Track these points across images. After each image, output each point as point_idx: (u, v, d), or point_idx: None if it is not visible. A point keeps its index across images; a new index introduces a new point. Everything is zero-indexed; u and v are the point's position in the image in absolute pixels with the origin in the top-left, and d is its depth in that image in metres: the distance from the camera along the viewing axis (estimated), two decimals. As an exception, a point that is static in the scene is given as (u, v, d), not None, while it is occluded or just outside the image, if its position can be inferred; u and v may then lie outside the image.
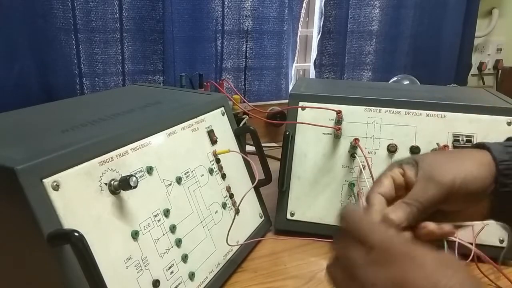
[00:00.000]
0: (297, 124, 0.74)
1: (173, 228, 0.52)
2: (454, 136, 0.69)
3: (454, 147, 0.68)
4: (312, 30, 1.36)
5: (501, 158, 0.38)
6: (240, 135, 0.72)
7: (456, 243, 0.57)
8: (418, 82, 1.25)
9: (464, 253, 0.61)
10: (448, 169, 0.38)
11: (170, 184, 0.54)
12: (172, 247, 0.51)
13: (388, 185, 0.40)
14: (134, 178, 0.45)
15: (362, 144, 0.71)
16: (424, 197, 0.38)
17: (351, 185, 0.70)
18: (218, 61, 1.16)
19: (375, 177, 0.68)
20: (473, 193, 0.38)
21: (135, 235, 0.46)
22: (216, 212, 0.61)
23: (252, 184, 0.68)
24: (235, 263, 0.62)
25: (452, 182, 0.38)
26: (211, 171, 0.62)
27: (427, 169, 0.39)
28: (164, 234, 0.50)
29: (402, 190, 0.40)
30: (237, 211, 0.65)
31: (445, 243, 0.40)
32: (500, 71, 1.75)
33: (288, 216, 0.72)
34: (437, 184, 0.38)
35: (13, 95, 0.88)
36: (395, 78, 1.29)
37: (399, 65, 1.45)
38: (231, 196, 0.65)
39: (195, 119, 0.63)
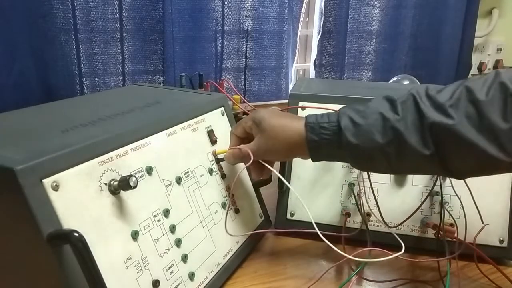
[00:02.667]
0: (297, 124, 0.73)
1: (173, 228, 0.52)
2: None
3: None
4: (312, 30, 1.36)
5: (310, 138, 0.54)
6: (240, 135, 0.72)
7: (456, 243, 0.57)
8: (418, 82, 1.25)
9: (464, 253, 0.62)
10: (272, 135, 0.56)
11: (170, 184, 0.54)
12: (172, 247, 0.51)
13: (240, 131, 0.61)
14: (134, 178, 0.45)
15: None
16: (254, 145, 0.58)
17: (351, 185, 0.70)
18: (218, 61, 1.16)
19: (375, 178, 0.69)
20: (288, 154, 0.59)
21: (135, 235, 0.46)
22: (216, 212, 0.61)
23: (252, 184, 0.69)
24: (235, 263, 0.62)
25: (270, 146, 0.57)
26: (211, 171, 0.62)
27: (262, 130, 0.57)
28: (164, 234, 0.50)
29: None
30: (236, 211, 0.65)
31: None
32: (500, 71, 1.75)
33: (288, 216, 0.72)
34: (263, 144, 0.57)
35: (13, 95, 0.88)
36: (395, 78, 1.29)
37: (399, 65, 1.45)
38: (231, 196, 0.65)
39: (195, 119, 0.63)
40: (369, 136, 0.50)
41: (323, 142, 0.53)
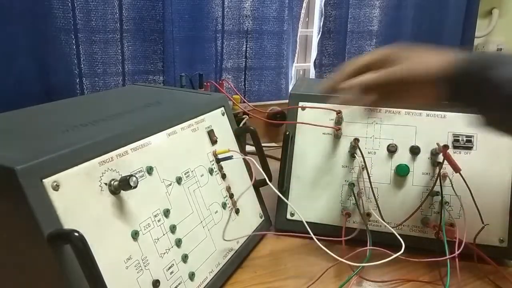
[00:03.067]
0: (297, 124, 0.74)
1: (173, 228, 0.52)
2: (454, 136, 0.69)
3: (454, 147, 0.68)
4: (312, 30, 1.36)
5: (459, 56, 0.48)
6: (240, 135, 0.72)
7: (456, 243, 0.57)
8: (418, 82, 1.25)
9: (464, 253, 0.62)
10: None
11: (170, 184, 0.54)
12: (172, 247, 0.51)
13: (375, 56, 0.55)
14: (134, 178, 0.45)
15: (362, 144, 0.71)
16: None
17: (351, 185, 0.70)
18: (218, 61, 1.16)
19: (375, 178, 0.69)
20: (425, 67, 0.50)
21: (135, 235, 0.46)
22: (216, 212, 0.61)
23: (252, 183, 0.69)
24: (235, 263, 0.62)
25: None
26: (211, 171, 0.62)
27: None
28: (164, 234, 0.50)
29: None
30: (236, 211, 0.65)
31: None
32: (500, 71, 1.75)
33: (288, 216, 0.72)
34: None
35: (13, 95, 0.88)
36: (395, 78, 1.29)
37: (399, 65, 1.45)
38: (231, 196, 0.65)
39: (195, 119, 0.63)
40: None
41: (475, 59, 0.47)
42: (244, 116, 1.00)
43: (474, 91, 0.47)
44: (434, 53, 0.51)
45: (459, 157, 0.67)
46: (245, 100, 1.08)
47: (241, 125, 0.94)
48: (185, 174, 0.57)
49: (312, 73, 1.36)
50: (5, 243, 0.42)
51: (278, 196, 0.73)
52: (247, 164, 0.70)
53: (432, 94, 0.50)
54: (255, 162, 0.65)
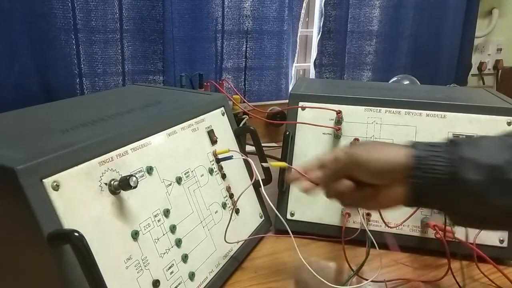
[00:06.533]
0: (297, 124, 0.74)
1: (173, 228, 0.52)
2: (454, 136, 0.69)
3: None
4: (312, 30, 1.36)
5: (417, 154, 0.44)
6: (240, 135, 0.72)
7: (456, 243, 0.57)
8: (418, 82, 1.25)
9: (464, 253, 0.62)
10: (370, 151, 0.47)
11: (170, 184, 0.54)
12: (172, 247, 0.51)
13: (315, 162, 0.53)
14: (134, 178, 0.45)
15: (362, 144, 0.70)
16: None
17: (351, 185, 0.70)
18: (218, 61, 1.16)
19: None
20: (384, 173, 0.46)
21: (135, 235, 0.46)
22: (216, 212, 0.61)
23: (252, 183, 0.68)
24: (235, 263, 0.62)
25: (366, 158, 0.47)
26: (211, 171, 0.62)
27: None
28: (164, 234, 0.50)
29: None
30: (236, 211, 0.65)
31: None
32: (500, 71, 1.75)
33: (288, 216, 0.72)
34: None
35: (13, 95, 0.88)
36: (395, 78, 1.29)
37: (399, 65, 1.45)
38: (231, 196, 0.65)
39: (195, 119, 0.63)
40: (487, 151, 0.42)
41: (433, 160, 0.43)
42: (244, 116, 1.00)
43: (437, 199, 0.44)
44: (389, 146, 0.48)
45: (459, 157, 0.67)
46: (245, 100, 1.08)
47: (241, 125, 0.94)
48: (185, 174, 0.57)
49: (312, 73, 1.36)
50: (5, 243, 0.42)
51: (278, 196, 0.73)
52: (247, 164, 0.70)
53: (399, 196, 0.46)
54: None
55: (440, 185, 0.42)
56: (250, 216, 0.68)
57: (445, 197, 0.43)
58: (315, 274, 0.54)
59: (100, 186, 0.44)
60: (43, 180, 0.39)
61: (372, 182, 0.47)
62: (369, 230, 0.65)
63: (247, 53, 1.20)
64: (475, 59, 1.69)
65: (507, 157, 0.41)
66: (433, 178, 0.43)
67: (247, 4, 1.16)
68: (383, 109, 0.71)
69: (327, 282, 0.55)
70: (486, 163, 0.41)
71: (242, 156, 0.66)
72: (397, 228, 0.67)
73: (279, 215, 0.62)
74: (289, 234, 0.58)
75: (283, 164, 0.62)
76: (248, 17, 1.16)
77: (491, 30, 1.69)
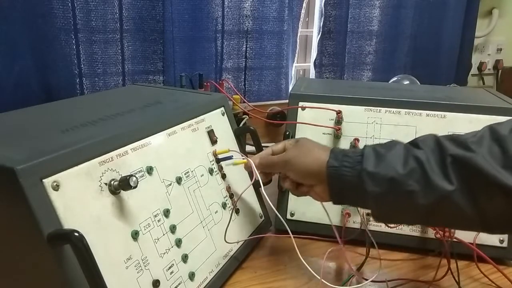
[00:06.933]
0: (297, 124, 0.74)
1: (173, 228, 0.52)
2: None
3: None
4: (312, 30, 1.36)
5: (331, 164, 0.51)
6: (240, 135, 0.72)
7: (456, 243, 0.57)
8: (418, 82, 1.25)
9: (464, 252, 0.62)
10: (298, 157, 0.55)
11: (170, 184, 0.54)
12: (172, 247, 0.51)
13: (269, 151, 0.61)
14: (134, 178, 0.45)
15: (362, 144, 0.70)
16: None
17: (351, 185, 0.70)
18: (218, 61, 1.16)
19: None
20: (308, 176, 0.55)
21: (135, 235, 0.46)
22: (216, 212, 0.61)
23: (252, 183, 0.68)
24: (235, 263, 0.62)
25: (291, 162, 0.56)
26: (211, 171, 0.62)
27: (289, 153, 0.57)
28: (164, 234, 0.50)
29: None
30: (236, 211, 0.65)
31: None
32: (500, 71, 1.75)
33: (288, 216, 0.72)
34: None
35: (13, 95, 0.88)
36: (395, 78, 1.29)
37: (399, 65, 1.45)
38: (231, 196, 0.65)
39: (195, 119, 0.63)
40: (390, 165, 0.47)
41: (343, 171, 0.50)
42: (244, 116, 1.00)
43: (346, 190, 0.51)
44: (318, 149, 0.55)
45: (459, 157, 0.67)
46: (245, 100, 1.08)
47: (241, 125, 0.94)
48: (185, 174, 0.57)
49: (312, 73, 1.36)
50: (5, 243, 0.42)
51: (278, 196, 0.73)
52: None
53: (325, 194, 0.54)
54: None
55: (349, 191, 0.50)
56: (250, 216, 0.68)
57: (356, 201, 0.52)
58: (315, 274, 0.54)
59: (100, 186, 0.44)
60: (43, 180, 0.39)
61: (302, 182, 0.57)
62: (369, 230, 0.65)
63: (247, 53, 1.19)
64: (475, 59, 1.69)
65: (405, 170, 0.47)
66: (343, 186, 0.50)
67: (247, 4, 1.16)
68: (383, 109, 0.71)
69: (326, 283, 0.55)
70: (386, 176, 0.47)
71: (242, 156, 0.66)
72: (397, 228, 0.67)
73: (278, 214, 0.62)
74: (289, 234, 0.58)
75: (245, 161, 0.63)
76: (248, 17, 1.16)
77: (491, 30, 1.69)
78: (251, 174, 0.69)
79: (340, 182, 0.50)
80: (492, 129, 0.46)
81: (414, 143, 0.49)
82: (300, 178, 0.56)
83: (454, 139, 0.47)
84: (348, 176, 0.50)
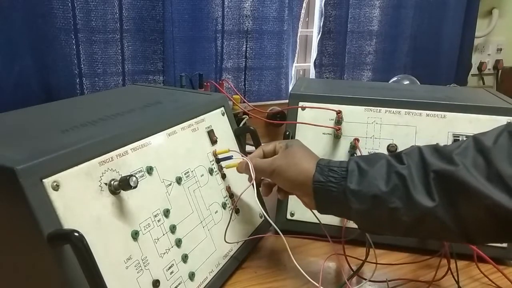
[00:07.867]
0: (297, 124, 0.74)
1: (173, 228, 0.52)
2: (454, 136, 0.69)
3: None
4: (312, 30, 1.36)
5: (317, 178, 0.52)
6: (240, 135, 0.72)
7: (456, 243, 0.57)
8: (418, 82, 1.25)
9: (464, 252, 0.62)
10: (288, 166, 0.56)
11: (170, 184, 0.54)
12: (172, 247, 0.51)
13: (260, 152, 0.61)
14: (134, 178, 0.45)
15: (362, 144, 0.71)
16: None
17: (351, 185, 0.70)
18: (218, 61, 1.16)
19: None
20: (295, 187, 0.56)
21: (135, 235, 0.46)
22: (216, 212, 0.61)
23: (252, 183, 0.68)
24: (235, 263, 0.62)
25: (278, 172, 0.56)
26: (211, 171, 0.62)
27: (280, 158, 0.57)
28: (164, 234, 0.50)
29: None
30: (236, 211, 0.65)
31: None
32: (500, 71, 1.75)
33: (288, 216, 0.72)
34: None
35: (13, 95, 0.88)
36: (395, 78, 1.29)
37: (399, 65, 1.45)
38: (231, 196, 0.65)
39: (195, 119, 0.63)
40: (373, 182, 0.48)
41: (329, 187, 0.51)
42: (244, 116, 1.00)
43: (331, 203, 0.52)
44: (307, 159, 0.55)
45: (459, 157, 0.67)
46: (245, 100, 1.08)
47: (241, 125, 0.94)
48: (185, 174, 0.57)
49: (312, 73, 1.36)
50: (5, 243, 0.42)
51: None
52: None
53: (312, 204, 0.54)
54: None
55: (335, 204, 0.52)
56: (250, 216, 0.68)
57: (341, 213, 0.55)
58: (309, 278, 0.54)
59: (100, 186, 0.44)
60: (43, 180, 0.39)
61: (289, 191, 0.58)
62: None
63: (247, 53, 1.19)
64: (475, 59, 1.69)
65: (388, 187, 0.47)
66: (328, 200, 0.51)
67: (247, 4, 1.15)
68: (383, 109, 0.71)
69: (320, 287, 0.54)
70: (368, 194, 0.48)
71: (242, 156, 0.66)
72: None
73: (265, 215, 0.62)
74: (289, 234, 0.58)
75: (236, 164, 0.63)
76: (248, 17, 1.16)
77: (491, 30, 1.69)
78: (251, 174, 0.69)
79: (326, 197, 0.51)
80: (476, 140, 0.46)
81: (398, 157, 0.50)
82: (286, 188, 0.57)
83: (438, 151, 0.48)
84: (333, 191, 0.51)
